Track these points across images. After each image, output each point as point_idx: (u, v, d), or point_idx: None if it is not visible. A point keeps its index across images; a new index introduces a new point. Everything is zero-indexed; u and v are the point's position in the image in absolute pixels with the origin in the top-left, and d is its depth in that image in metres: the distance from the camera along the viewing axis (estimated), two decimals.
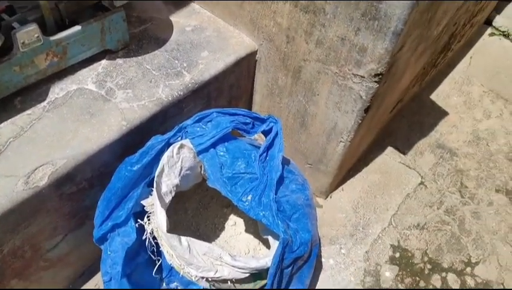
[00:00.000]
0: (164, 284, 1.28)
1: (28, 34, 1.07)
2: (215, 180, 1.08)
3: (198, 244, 1.00)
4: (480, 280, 1.60)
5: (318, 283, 1.53)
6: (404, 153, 1.98)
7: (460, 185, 1.89)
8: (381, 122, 1.81)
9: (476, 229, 1.74)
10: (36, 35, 1.09)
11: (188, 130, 1.12)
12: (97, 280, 1.42)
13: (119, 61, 1.32)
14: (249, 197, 1.05)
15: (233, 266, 1.01)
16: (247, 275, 1.04)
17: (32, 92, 1.18)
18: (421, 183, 1.88)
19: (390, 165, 1.93)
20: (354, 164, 1.88)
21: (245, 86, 1.57)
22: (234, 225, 1.55)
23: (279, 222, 1.02)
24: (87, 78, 1.25)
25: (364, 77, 1.23)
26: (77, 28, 1.18)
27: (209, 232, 1.50)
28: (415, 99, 2.18)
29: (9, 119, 1.11)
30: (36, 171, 1.02)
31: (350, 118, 1.36)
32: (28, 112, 1.13)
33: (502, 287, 1.59)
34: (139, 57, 1.34)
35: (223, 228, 1.53)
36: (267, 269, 1.04)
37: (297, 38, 1.32)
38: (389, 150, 1.99)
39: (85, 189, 1.16)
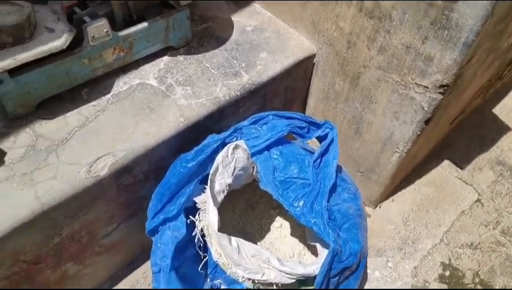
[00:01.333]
0: (208, 280, 1.30)
1: (98, 29, 1.11)
2: (267, 183, 1.08)
3: (248, 246, 1.00)
4: None
5: None
6: (461, 168, 1.89)
7: None
8: (440, 133, 1.74)
9: None
10: (106, 30, 1.13)
11: (243, 131, 1.13)
12: (144, 269, 1.46)
13: (180, 58, 1.35)
14: (301, 203, 1.04)
15: (280, 271, 1.01)
16: (293, 280, 1.04)
17: (98, 85, 1.23)
18: (478, 200, 1.79)
19: (445, 179, 1.85)
20: (407, 175, 1.81)
21: (300, 88, 1.56)
22: (280, 227, 1.55)
23: (330, 231, 1.00)
24: (149, 73, 1.29)
25: (428, 88, 1.18)
26: (144, 24, 1.22)
27: (254, 232, 1.51)
28: (477, 112, 2.07)
29: (76, 109, 1.16)
30: (98, 161, 1.06)
31: (408, 128, 1.32)
32: (94, 103, 1.18)
33: None
34: (199, 55, 1.36)
35: (268, 230, 1.53)
36: (314, 277, 1.03)
37: (359, 43, 1.29)
38: (446, 163, 1.90)
39: (141, 181, 1.19)
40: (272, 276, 1.01)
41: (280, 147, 1.12)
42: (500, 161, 1.94)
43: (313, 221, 1.01)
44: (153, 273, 1.17)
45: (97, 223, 1.17)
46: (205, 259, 1.22)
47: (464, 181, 1.85)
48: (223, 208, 1.52)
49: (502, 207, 1.77)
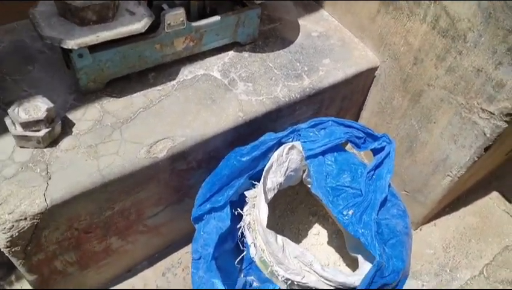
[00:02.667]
0: (242, 275, 1.31)
1: (175, 17, 1.15)
2: (318, 188, 1.08)
3: (292, 247, 1.01)
4: None
5: None
6: (510, 201, 1.83)
7: None
8: (493, 163, 1.68)
9: None
10: (181, 19, 1.17)
11: (301, 133, 1.13)
12: (180, 255, 1.50)
13: (245, 54, 1.37)
14: (350, 212, 1.03)
15: (321, 276, 1.01)
16: (332, 288, 1.03)
17: (165, 71, 1.27)
18: None
19: (492, 211, 1.79)
20: (452, 201, 1.77)
21: (357, 99, 1.56)
22: (317, 234, 1.55)
23: (377, 244, 1.00)
24: (214, 65, 1.32)
25: (494, 114, 1.16)
26: (217, 18, 1.25)
27: (291, 236, 1.51)
28: None
29: (142, 91, 1.20)
30: (158, 143, 1.10)
31: (466, 153, 1.29)
32: (159, 88, 1.22)
33: None
34: (264, 54, 1.38)
35: (305, 235, 1.53)
36: (352, 288, 1.02)
37: (426, 61, 1.28)
38: (494, 194, 1.84)
39: (193, 168, 1.22)
40: (312, 280, 1.01)
41: (335, 153, 1.12)
42: None
43: (360, 231, 1.00)
44: (192, 259, 1.19)
45: (146, 203, 1.20)
46: (243, 254, 1.23)
47: (511, 215, 1.78)
48: None
49: None
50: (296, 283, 1.03)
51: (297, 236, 1.53)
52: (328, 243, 1.53)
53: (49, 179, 0.98)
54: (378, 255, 0.99)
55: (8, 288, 1.35)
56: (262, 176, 1.05)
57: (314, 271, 1.01)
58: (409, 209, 1.61)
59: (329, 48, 1.44)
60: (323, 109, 1.45)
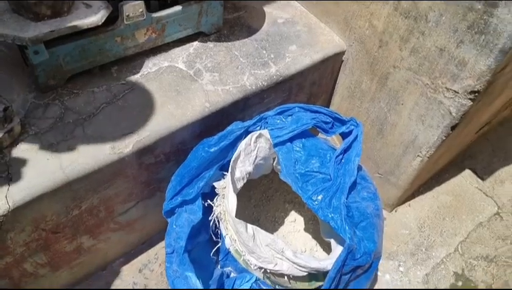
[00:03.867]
0: (219, 266, 1.31)
1: (133, 8, 1.13)
2: (287, 175, 1.08)
3: (263, 235, 1.01)
4: None
5: None
6: (482, 179, 1.86)
7: None
8: (464, 142, 1.71)
9: None
10: (141, 10, 1.14)
11: (268, 121, 1.13)
12: (156, 250, 1.48)
13: (210, 44, 1.35)
14: (320, 197, 1.03)
15: (293, 263, 1.01)
16: (305, 273, 1.04)
17: (128, 64, 1.24)
18: (497, 213, 1.76)
19: (465, 189, 1.82)
20: (426, 181, 1.79)
21: (326, 84, 1.55)
22: (294, 221, 1.55)
23: (347, 227, 1.00)
24: (178, 57, 1.30)
25: (458, 93, 1.17)
26: (178, 7, 1.22)
27: (268, 224, 1.51)
28: (504, 124, 2.03)
29: (105, 86, 1.18)
30: (122, 138, 1.08)
31: (434, 133, 1.30)
32: (123, 81, 1.20)
33: None
34: (229, 43, 1.36)
35: (282, 223, 1.54)
36: (326, 272, 1.03)
37: (391, 43, 1.28)
38: (467, 173, 1.87)
39: (162, 162, 1.21)
40: (285, 267, 1.01)
41: (303, 140, 1.12)
42: None
43: (330, 216, 1.00)
44: (166, 253, 1.18)
45: (115, 200, 1.18)
46: (218, 245, 1.23)
47: (484, 193, 1.82)
48: (239, 197, 1.52)
49: None
50: (269, 271, 1.03)
51: (274, 224, 1.53)
52: (305, 229, 1.53)
53: (10, 180, 0.96)
54: (348, 238, 0.99)
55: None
56: (230, 166, 1.04)
57: (286, 258, 1.01)
58: (383, 191, 1.64)
59: (295, 34, 1.43)
60: (293, 96, 1.44)
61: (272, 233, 1.50)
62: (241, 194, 1.53)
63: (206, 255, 1.27)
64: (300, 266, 1.00)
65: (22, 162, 0.99)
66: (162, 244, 1.48)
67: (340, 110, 1.64)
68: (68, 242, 1.17)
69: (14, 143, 1.01)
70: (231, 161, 1.05)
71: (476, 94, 1.13)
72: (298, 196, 1.53)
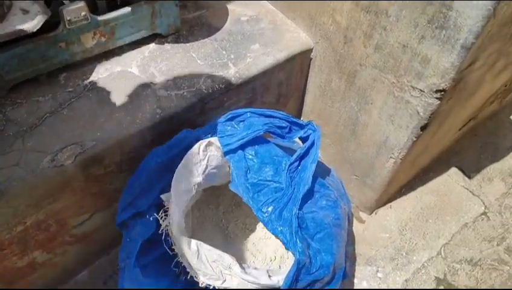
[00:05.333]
0: (183, 277, 1.25)
1: (75, 12, 1.07)
2: (238, 185, 1.01)
3: (208, 250, 0.95)
4: None
5: None
6: (469, 177, 1.78)
7: None
8: (445, 140, 1.62)
9: None
10: (83, 13, 1.08)
11: (218, 127, 1.06)
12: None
13: (167, 46, 1.29)
14: (270, 209, 0.97)
15: (242, 279, 0.95)
16: (258, 289, 0.97)
17: (77, 70, 1.19)
18: (484, 213, 1.67)
19: (450, 188, 1.74)
20: (408, 181, 1.71)
21: (296, 84, 1.48)
22: (265, 228, 1.48)
23: (298, 241, 0.94)
24: (132, 60, 1.24)
25: (424, 91, 1.09)
26: (127, 9, 1.16)
27: (238, 231, 1.45)
28: (492, 118, 1.94)
29: (51, 94, 1.12)
30: (64, 150, 1.02)
31: (404, 134, 1.22)
32: (70, 89, 1.14)
33: None
34: (187, 44, 1.30)
35: (253, 229, 1.47)
36: (278, 288, 0.97)
37: (355, 39, 1.20)
38: (453, 170, 1.79)
39: (113, 172, 1.15)
40: (235, 283, 0.95)
41: (256, 146, 1.05)
42: None
43: (279, 229, 0.94)
44: (119, 268, 1.13)
45: (66, 213, 1.13)
46: (177, 258, 1.17)
47: (470, 191, 1.73)
48: (205, 204, 1.47)
49: (509, 222, 1.65)
50: (217, 288, 0.97)
51: (244, 231, 1.47)
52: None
53: None
54: (298, 252, 0.93)
55: None
56: (174, 178, 0.98)
57: (235, 274, 0.95)
58: (361, 193, 1.57)
59: (259, 33, 1.36)
60: (259, 97, 1.37)
61: (242, 241, 1.43)
62: (208, 201, 1.48)
63: (167, 267, 1.21)
64: (249, 282, 0.94)
65: None
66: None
67: (313, 110, 1.57)
68: (18, 258, 1.13)
69: None
70: (175, 173, 0.99)
71: (442, 93, 1.05)
72: None
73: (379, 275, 1.49)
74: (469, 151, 1.85)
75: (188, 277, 1.20)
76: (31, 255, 1.15)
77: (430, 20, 0.97)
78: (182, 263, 1.18)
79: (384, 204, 1.66)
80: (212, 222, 1.44)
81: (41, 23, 1.01)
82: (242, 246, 1.41)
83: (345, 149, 1.51)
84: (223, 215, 1.47)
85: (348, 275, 1.34)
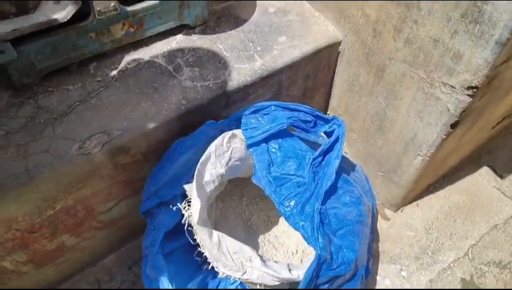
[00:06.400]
0: (204, 268, 1.27)
1: (104, 3, 1.08)
2: (261, 178, 1.02)
3: (230, 242, 0.96)
4: None
5: None
6: (501, 177, 1.71)
7: None
8: (477, 138, 1.57)
9: None
10: (113, 4, 1.10)
11: (242, 120, 1.06)
12: None
13: (194, 37, 1.29)
14: (292, 203, 0.97)
15: (262, 272, 0.95)
16: (277, 283, 0.98)
17: (106, 60, 1.21)
18: None
19: (481, 188, 1.68)
20: (437, 180, 1.67)
21: (323, 78, 1.46)
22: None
23: (319, 237, 0.93)
24: (159, 51, 1.25)
25: (455, 88, 1.05)
26: (155, 0, 1.17)
27: (260, 223, 1.45)
28: None
29: (80, 83, 1.15)
30: (92, 138, 1.05)
31: (433, 131, 1.19)
32: (99, 78, 1.17)
33: None
34: (214, 36, 1.30)
35: (276, 222, 1.47)
36: (298, 282, 0.97)
37: (384, 33, 1.17)
38: (484, 170, 1.73)
39: (140, 161, 1.17)
40: (255, 276, 0.96)
41: (280, 140, 1.05)
42: None
43: (301, 224, 0.94)
44: (142, 256, 1.16)
45: (94, 199, 1.17)
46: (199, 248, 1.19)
47: (502, 192, 1.67)
48: (229, 196, 1.48)
49: None
50: (238, 279, 0.98)
51: (267, 223, 1.47)
52: None
53: None
54: (320, 248, 0.92)
55: None
56: (197, 169, 0.99)
57: (255, 267, 0.96)
58: (387, 190, 1.54)
59: (286, 25, 1.35)
60: (284, 91, 1.36)
61: (264, 233, 1.44)
62: (232, 193, 1.49)
63: (189, 257, 1.23)
64: (269, 275, 0.95)
65: None
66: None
67: (340, 104, 1.55)
68: (48, 241, 1.17)
69: None
70: (198, 164, 1.00)
71: (475, 90, 1.02)
72: None
73: (403, 273, 1.47)
74: (502, 151, 1.78)
75: (210, 267, 1.22)
76: (60, 239, 1.19)
77: (464, 14, 0.94)
78: (203, 253, 1.20)
79: (411, 202, 1.62)
80: (235, 213, 1.45)
81: (72, 13, 1.03)
82: (264, 238, 1.41)
83: (372, 145, 1.48)
84: (246, 207, 1.48)
85: (370, 272, 1.32)
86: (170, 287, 1.06)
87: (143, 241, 1.17)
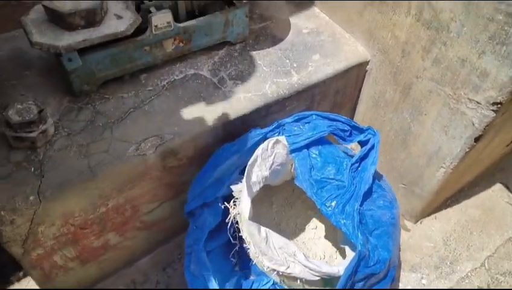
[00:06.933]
0: (237, 268, 1.34)
1: (161, 19, 1.19)
2: (303, 180, 1.10)
3: (276, 237, 1.03)
4: None
5: None
6: None
7: None
8: (494, 154, 1.66)
9: None
10: (168, 20, 1.21)
11: (285, 127, 1.16)
12: (180, 250, 1.53)
13: (235, 53, 1.40)
14: (333, 203, 1.05)
15: (305, 266, 1.03)
16: (318, 278, 1.05)
17: (156, 71, 1.31)
18: None
19: (495, 203, 1.77)
20: (454, 194, 1.75)
21: (351, 94, 1.57)
22: (315, 228, 1.56)
23: (359, 234, 1.01)
24: (204, 65, 1.35)
25: (480, 104, 1.15)
26: (204, 18, 1.28)
27: (289, 230, 1.53)
28: None
29: (134, 92, 1.25)
30: (146, 141, 1.14)
31: (457, 144, 1.28)
32: (150, 88, 1.27)
33: None
34: (254, 52, 1.41)
35: (303, 229, 1.55)
36: (339, 277, 1.04)
37: (413, 53, 1.28)
38: (498, 186, 1.82)
39: (185, 165, 1.26)
40: (297, 270, 1.03)
41: (320, 147, 1.14)
42: None
43: (343, 222, 1.02)
44: (185, 254, 1.23)
45: (141, 199, 1.25)
46: (236, 247, 1.26)
47: None
48: (260, 203, 1.56)
49: None
50: (281, 273, 1.05)
51: (295, 230, 1.55)
52: (326, 237, 1.54)
53: (42, 177, 1.03)
54: (360, 244, 1.00)
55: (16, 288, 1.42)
56: (246, 170, 1.08)
57: (298, 261, 1.03)
58: (407, 202, 1.62)
59: (319, 44, 1.46)
60: (316, 104, 1.46)
61: (292, 239, 1.51)
62: (262, 200, 1.57)
63: (225, 257, 1.30)
64: (311, 269, 1.02)
65: (54, 160, 1.07)
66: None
67: (364, 120, 1.65)
68: (95, 238, 1.24)
69: (48, 143, 1.10)
70: (247, 165, 1.09)
71: (499, 105, 1.12)
72: None
73: (423, 281, 1.54)
74: None
75: (242, 270, 1.29)
76: (106, 237, 1.27)
77: (492, 36, 1.04)
78: (239, 253, 1.28)
79: (429, 214, 1.71)
80: (265, 219, 1.53)
81: (134, 28, 1.14)
82: (294, 243, 1.49)
83: (394, 158, 1.57)
84: (275, 213, 1.55)
85: (393, 277, 1.39)
86: (215, 284, 1.13)
87: (186, 241, 1.24)
